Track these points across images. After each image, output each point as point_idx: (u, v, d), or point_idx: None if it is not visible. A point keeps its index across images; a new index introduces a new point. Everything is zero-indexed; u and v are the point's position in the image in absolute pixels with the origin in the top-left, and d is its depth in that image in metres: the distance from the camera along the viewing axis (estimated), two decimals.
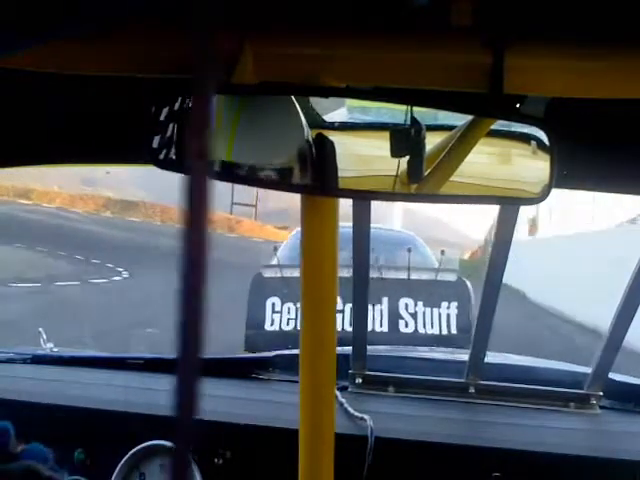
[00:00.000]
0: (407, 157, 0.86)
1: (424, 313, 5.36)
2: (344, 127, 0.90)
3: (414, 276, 5.46)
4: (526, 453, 1.41)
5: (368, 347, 1.70)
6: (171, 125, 0.83)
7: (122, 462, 1.39)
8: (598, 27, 0.82)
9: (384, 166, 0.86)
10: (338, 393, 1.51)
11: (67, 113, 1.14)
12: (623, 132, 1.08)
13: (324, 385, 1.06)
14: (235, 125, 0.84)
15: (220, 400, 1.60)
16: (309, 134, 0.85)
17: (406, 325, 5.34)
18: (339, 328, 1.14)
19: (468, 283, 5.37)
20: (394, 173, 0.86)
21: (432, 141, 0.90)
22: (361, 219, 1.44)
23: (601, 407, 1.63)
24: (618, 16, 0.80)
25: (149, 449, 1.40)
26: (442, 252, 5.82)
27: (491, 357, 1.75)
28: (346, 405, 1.50)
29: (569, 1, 0.79)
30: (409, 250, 5.61)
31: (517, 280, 12.01)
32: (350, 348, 1.67)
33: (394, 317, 5.32)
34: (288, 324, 5.34)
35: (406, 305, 5.37)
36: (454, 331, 5.31)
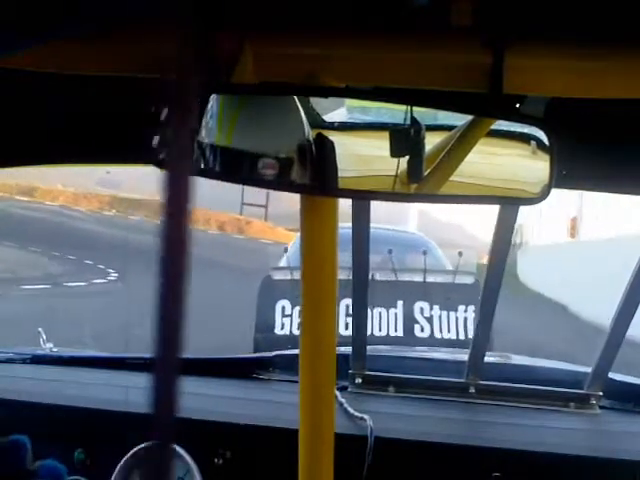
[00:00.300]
0: (407, 157, 0.86)
1: (440, 317, 5.17)
2: (344, 127, 0.90)
3: (430, 279, 5.28)
4: (526, 453, 1.41)
5: (368, 347, 1.70)
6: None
7: (122, 462, 1.39)
8: (598, 27, 0.82)
9: (384, 166, 0.86)
10: (338, 393, 1.51)
11: (67, 113, 1.14)
12: (623, 132, 1.08)
13: (324, 385, 1.06)
14: (234, 124, 0.84)
15: (220, 400, 1.60)
16: (309, 133, 0.85)
17: (422, 330, 5.15)
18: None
19: None
20: (394, 173, 0.86)
21: (432, 141, 0.90)
22: (361, 219, 1.44)
23: (601, 407, 1.63)
24: (618, 16, 0.80)
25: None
26: (459, 254, 5.57)
27: (491, 357, 1.76)
28: (346, 405, 1.50)
29: (569, 1, 0.79)
30: (424, 252, 5.43)
31: (557, 290, 11.24)
32: (350, 348, 1.67)
33: (409, 321, 5.14)
34: (299, 328, 5.18)
35: (421, 309, 5.18)
36: (471, 335, 5.04)
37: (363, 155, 0.94)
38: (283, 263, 5.60)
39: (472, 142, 0.89)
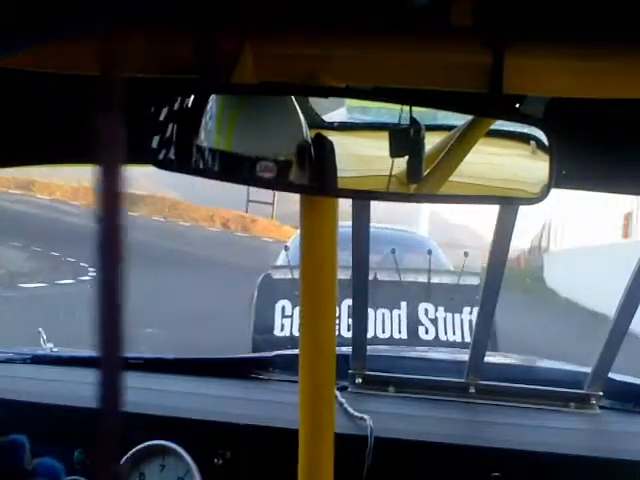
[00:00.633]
0: (406, 157, 0.86)
1: (445, 319, 5.03)
2: (344, 127, 0.90)
3: (434, 280, 5.13)
4: (526, 453, 1.41)
5: (368, 347, 1.70)
6: (171, 125, 0.83)
7: (122, 462, 1.39)
8: (598, 27, 0.82)
9: (383, 166, 0.86)
10: (338, 393, 1.51)
11: (67, 113, 1.14)
12: (623, 132, 1.08)
13: (324, 385, 1.06)
14: (234, 123, 0.84)
15: (220, 400, 1.60)
16: (308, 134, 0.85)
17: (426, 332, 4.99)
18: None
19: None
20: (394, 173, 0.86)
21: (432, 141, 0.90)
22: (360, 219, 1.44)
23: (601, 407, 1.63)
24: (618, 16, 0.80)
25: (149, 449, 1.40)
26: (465, 254, 5.43)
27: (491, 357, 1.75)
28: (346, 405, 1.50)
29: (569, 1, 0.79)
30: (429, 252, 5.29)
31: (595, 297, 9.28)
32: (350, 348, 1.67)
33: (413, 323, 4.99)
34: (299, 328, 5.02)
35: (426, 310, 5.04)
36: None
37: (363, 155, 0.94)
38: (283, 261, 5.44)
39: (472, 142, 0.89)
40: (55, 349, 1.88)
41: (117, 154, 0.37)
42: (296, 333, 4.85)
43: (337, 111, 0.89)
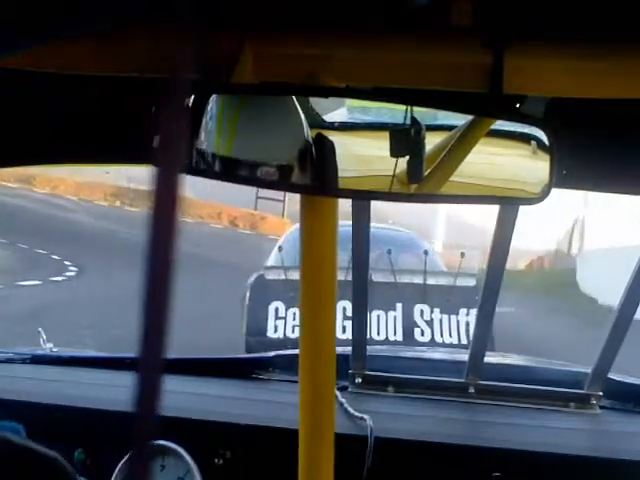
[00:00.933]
0: (407, 157, 0.86)
1: (441, 320, 4.97)
2: (344, 127, 0.90)
3: (430, 281, 5.05)
4: (526, 453, 1.41)
5: (368, 347, 1.70)
6: None
7: (122, 462, 1.39)
8: (598, 27, 0.82)
9: (384, 166, 0.86)
10: (338, 393, 1.51)
11: (67, 113, 1.14)
12: (623, 132, 1.08)
13: (324, 385, 1.06)
14: (235, 123, 0.84)
15: (220, 400, 1.60)
16: (309, 135, 0.85)
17: (422, 333, 4.94)
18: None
19: None
20: (394, 173, 0.86)
21: (432, 141, 0.90)
22: (360, 219, 1.44)
23: (601, 407, 1.63)
24: (618, 16, 0.80)
25: (149, 449, 1.39)
26: (462, 255, 5.36)
27: (491, 357, 1.75)
28: (346, 405, 1.50)
29: (569, 1, 0.79)
30: (426, 253, 5.23)
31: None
32: (350, 348, 1.67)
33: (409, 325, 4.94)
34: (294, 331, 4.85)
35: (421, 312, 4.98)
36: None
37: (363, 155, 0.94)
38: (276, 262, 5.33)
39: (472, 142, 0.89)
40: (55, 349, 1.88)
41: (177, 158, 0.37)
42: (290, 335, 4.82)
43: (337, 111, 0.89)
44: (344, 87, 0.87)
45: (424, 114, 0.86)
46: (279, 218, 18.06)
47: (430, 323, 4.97)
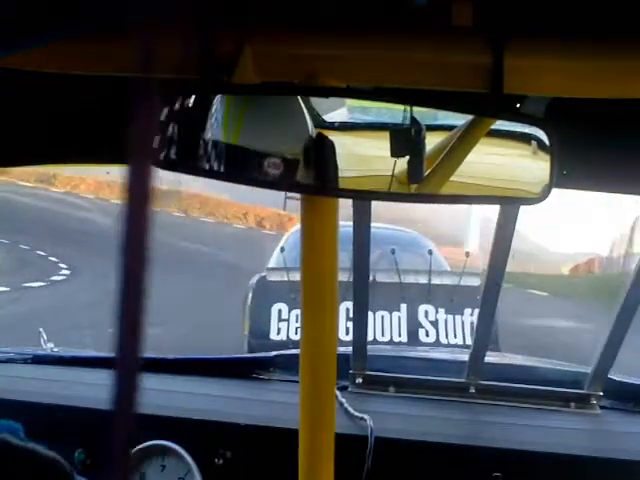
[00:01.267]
0: (407, 157, 0.86)
1: (446, 321, 4.88)
2: (344, 127, 0.90)
3: (435, 281, 4.95)
4: (526, 453, 1.41)
5: (368, 347, 1.70)
6: (171, 125, 0.83)
7: None
8: (598, 27, 0.82)
9: (384, 166, 0.86)
10: (338, 393, 1.51)
11: (67, 113, 1.14)
12: (623, 132, 1.08)
13: (324, 385, 1.06)
14: (240, 124, 0.84)
15: (220, 400, 1.60)
16: (314, 132, 0.85)
17: (427, 334, 4.84)
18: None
19: None
20: (394, 173, 0.86)
21: (432, 141, 0.90)
22: (361, 219, 1.44)
23: (601, 407, 1.63)
24: (618, 16, 0.80)
25: (149, 449, 1.40)
26: (467, 254, 5.28)
27: (491, 357, 1.75)
28: (346, 405, 1.50)
29: (569, 1, 0.79)
30: (430, 252, 5.18)
31: None
32: (350, 348, 1.67)
33: (413, 326, 4.84)
34: (297, 333, 4.63)
35: (426, 312, 4.88)
36: None
37: (364, 155, 0.94)
38: (278, 263, 5.26)
39: (472, 142, 0.89)
40: (56, 349, 1.88)
41: (149, 153, 0.37)
42: (293, 337, 4.73)
43: (338, 111, 0.89)
44: (344, 87, 0.87)
45: (424, 114, 0.86)
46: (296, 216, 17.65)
47: (435, 324, 4.89)
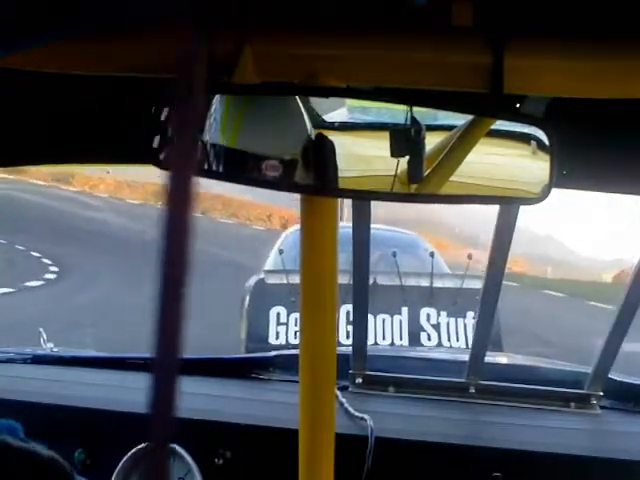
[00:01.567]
0: (407, 157, 0.86)
1: (448, 324, 4.78)
2: (344, 127, 0.90)
3: (437, 283, 4.85)
4: (526, 453, 1.41)
5: (368, 347, 1.70)
6: (171, 125, 0.83)
7: (122, 462, 1.39)
8: (598, 27, 0.82)
9: (384, 166, 0.86)
10: (338, 393, 1.51)
11: (67, 113, 1.14)
12: (623, 132, 1.08)
13: (324, 385, 1.06)
14: (239, 125, 0.84)
15: (220, 400, 1.60)
16: (313, 132, 0.85)
17: (429, 338, 4.74)
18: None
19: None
20: (394, 173, 0.86)
21: (432, 141, 0.90)
22: (361, 220, 1.44)
23: (601, 407, 1.63)
24: (618, 16, 0.80)
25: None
26: (469, 256, 5.08)
27: (491, 357, 1.75)
28: (346, 405, 1.50)
29: (569, 1, 0.79)
30: (432, 255, 5.07)
31: None
32: (350, 348, 1.67)
33: (415, 329, 4.74)
34: (296, 337, 4.56)
35: (428, 315, 4.79)
36: None
37: (363, 155, 0.94)
38: (275, 265, 5.17)
39: (472, 142, 0.89)
40: (55, 349, 1.88)
41: (191, 160, 0.37)
42: (292, 341, 4.63)
43: (338, 111, 0.89)
44: (344, 87, 0.87)
45: (424, 114, 0.86)
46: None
47: (437, 327, 4.81)
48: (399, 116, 0.86)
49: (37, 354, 1.81)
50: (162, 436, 0.36)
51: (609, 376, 1.63)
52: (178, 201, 0.36)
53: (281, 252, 5.02)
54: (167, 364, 0.36)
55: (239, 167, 0.85)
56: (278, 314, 4.73)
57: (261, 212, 17.83)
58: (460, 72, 0.84)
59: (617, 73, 0.83)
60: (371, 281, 1.72)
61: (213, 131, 0.83)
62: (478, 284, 4.71)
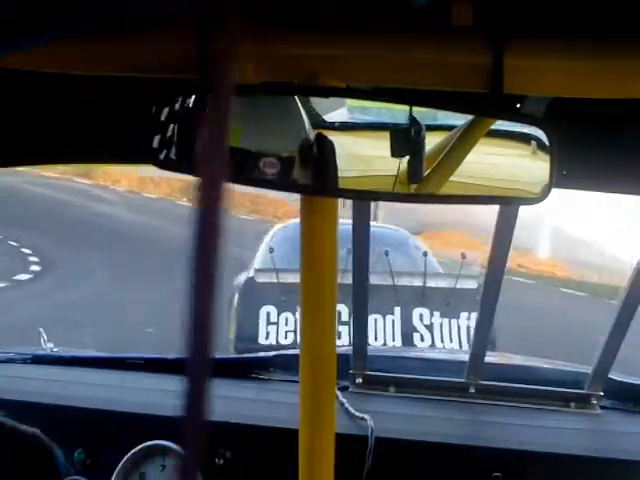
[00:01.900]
0: (407, 157, 0.86)
1: (441, 325, 4.72)
2: (344, 127, 0.90)
3: (430, 284, 4.78)
4: (526, 453, 1.41)
5: (368, 347, 1.70)
6: (171, 125, 0.83)
7: (122, 462, 1.39)
8: (598, 27, 0.82)
9: (384, 166, 0.86)
10: (339, 393, 1.51)
11: (67, 113, 1.14)
12: (623, 132, 1.08)
13: (324, 385, 1.06)
14: (238, 125, 0.84)
15: (220, 400, 1.60)
16: (311, 132, 0.85)
17: (422, 339, 4.68)
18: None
19: None
20: (394, 173, 0.86)
21: (432, 141, 0.90)
22: (361, 220, 1.44)
23: (601, 407, 1.63)
24: (618, 16, 0.80)
25: (149, 449, 1.40)
26: (463, 256, 5.01)
27: (491, 357, 1.75)
28: (347, 405, 1.50)
29: (569, 1, 0.79)
30: (425, 254, 5.01)
31: None
32: (350, 348, 1.67)
33: (408, 330, 4.65)
34: (286, 337, 4.61)
35: (421, 316, 4.73)
36: None
37: (363, 155, 0.94)
38: (265, 264, 5.05)
39: (472, 142, 0.89)
40: (55, 349, 1.88)
41: (222, 164, 0.37)
42: (282, 341, 4.58)
43: (338, 111, 0.89)
44: (344, 87, 0.87)
45: (424, 114, 0.86)
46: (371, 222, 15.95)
47: (430, 327, 4.75)
48: (399, 116, 0.86)
49: (37, 354, 1.81)
50: (195, 439, 0.36)
51: (609, 376, 1.63)
52: (210, 202, 0.36)
53: (271, 250, 4.91)
54: (200, 366, 0.36)
55: (239, 167, 0.85)
56: (268, 313, 4.65)
57: (290, 210, 17.41)
58: (460, 72, 0.84)
59: (617, 73, 0.83)
60: None
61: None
62: (472, 284, 4.69)
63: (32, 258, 9.88)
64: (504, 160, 0.94)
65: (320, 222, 1.00)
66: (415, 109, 0.85)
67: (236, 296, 4.85)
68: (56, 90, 1.04)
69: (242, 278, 4.90)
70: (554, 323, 7.56)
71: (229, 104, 0.38)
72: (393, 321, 4.68)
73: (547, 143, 0.84)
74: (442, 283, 4.90)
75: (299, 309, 1.06)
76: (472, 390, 1.64)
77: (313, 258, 1.01)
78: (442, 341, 4.72)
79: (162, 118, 0.82)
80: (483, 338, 1.64)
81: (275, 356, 1.79)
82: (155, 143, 0.82)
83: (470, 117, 0.89)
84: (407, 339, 4.66)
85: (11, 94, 1.06)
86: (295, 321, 4.58)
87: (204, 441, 0.36)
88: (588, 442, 1.54)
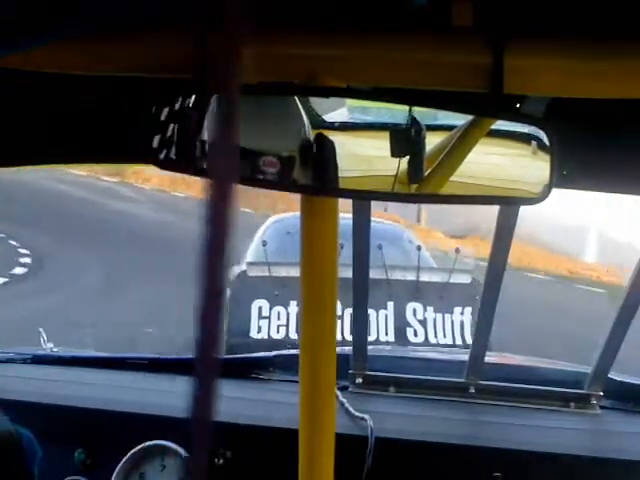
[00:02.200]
0: (407, 157, 0.86)
1: (435, 320, 4.68)
2: (344, 127, 0.90)
3: (423, 278, 4.74)
4: (526, 453, 1.41)
5: (368, 347, 1.70)
6: (171, 125, 0.83)
7: (122, 462, 1.39)
8: (598, 27, 0.82)
9: (384, 166, 0.86)
10: (339, 393, 1.51)
11: (67, 113, 1.14)
12: (623, 132, 1.08)
13: (324, 385, 1.06)
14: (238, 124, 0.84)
15: (220, 400, 1.60)
16: (310, 132, 0.85)
17: (415, 334, 4.63)
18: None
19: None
20: (394, 173, 0.86)
21: (432, 141, 0.90)
22: (361, 217, 1.44)
23: (601, 407, 1.63)
24: (618, 16, 0.80)
25: (149, 449, 1.40)
26: (457, 250, 5.00)
27: (491, 357, 1.75)
28: (347, 405, 1.50)
29: (569, 1, 0.79)
30: (419, 248, 4.98)
31: None
32: (350, 348, 1.67)
33: (401, 324, 4.64)
34: (278, 331, 4.59)
35: (414, 310, 4.69)
36: (470, 340, 4.04)
37: (364, 155, 0.94)
38: (258, 257, 4.99)
39: (472, 142, 0.89)
40: (55, 349, 1.88)
41: (232, 164, 0.37)
42: (274, 336, 4.55)
43: (338, 111, 0.89)
44: (344, 87, 0.87)
45: (424, 114, 0.86)
46: (416, 224, 13.33)
47: (423, 322, 4.71)
48: (399, 116, 0.86)
49: (37, 354, 1.81)
50: (203, 439, 0.36)
51: (609, 376, 1.63)
52: (219, 204, 0.36)
53: (264, 244, 4.85)
54: (208, 366, 0.36)
55: (239, 167, 0.85)
56: (260, 308, 4.62)
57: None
58: (460, 72, 0.84)
59: (617, 73, 0.83)
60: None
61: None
62: (467, 279, 4.68)
63: (24, 259, 9.44)
64: (504, 160, 0.94)
65: (320, 222, 1.00)
66: (415, 109, 0.85)
67: (227, 290, 4.62)
68: (56, 90, 1.04)
69: (234, 271, 4.81)
70: None
71: (237, 103, 0.38)
72: (386, 316, 4.64)
73: (547, 143, 0.84)
74: (435, 277, 4.86)
75: (299, 309, 1.06)
76: (472, 390, 1.64)
77: (313, 258, 1.01)
78: (435, 336, 4.68)
79: (162, 118, 0.82)
80: (483, 338, 1.64)
81: (275, 356, 1.79)
82: (155, 143, 0.82)
83: (470, 117, 0.89)
84: (400, 334, 4.62)
85: (11, 94, 1.05)
86: (287, 315, 4.55)
87: (210, 441, 0.36)
88: (588, 442, 1.54)
